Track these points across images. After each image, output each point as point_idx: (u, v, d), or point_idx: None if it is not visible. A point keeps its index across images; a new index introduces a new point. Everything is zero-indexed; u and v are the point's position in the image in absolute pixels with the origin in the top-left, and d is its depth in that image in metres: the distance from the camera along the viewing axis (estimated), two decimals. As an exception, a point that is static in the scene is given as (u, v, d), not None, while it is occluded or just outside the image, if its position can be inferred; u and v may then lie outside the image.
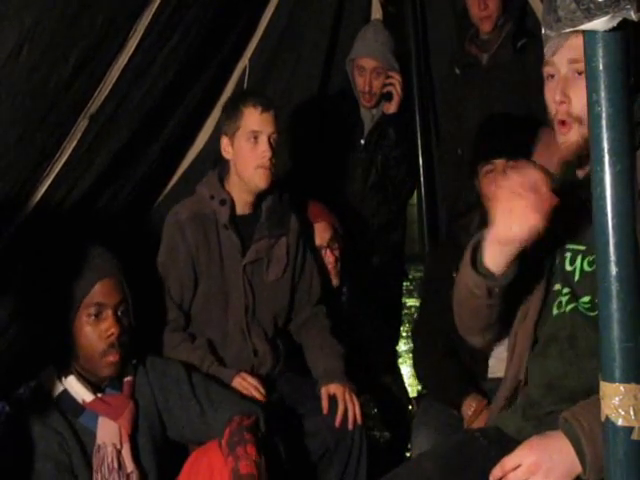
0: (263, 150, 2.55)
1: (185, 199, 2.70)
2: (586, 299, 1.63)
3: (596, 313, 1.52)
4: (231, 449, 2.07)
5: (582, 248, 1.65)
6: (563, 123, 1.60)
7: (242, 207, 2.64)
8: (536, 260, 1.72)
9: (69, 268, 2.15)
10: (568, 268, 1.68)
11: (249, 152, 2.56)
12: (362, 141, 3.47)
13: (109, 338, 2.11)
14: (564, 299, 1.69)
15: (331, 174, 3.45)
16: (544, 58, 1.65)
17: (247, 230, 2.64)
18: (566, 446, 1.46)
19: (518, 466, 1.50)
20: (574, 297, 1.66)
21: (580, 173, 1.68)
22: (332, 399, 2.51)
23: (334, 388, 2.53)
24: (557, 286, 1.71)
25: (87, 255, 2.18)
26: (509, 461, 1.51)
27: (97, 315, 2.12)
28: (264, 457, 2.09)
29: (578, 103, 1.55)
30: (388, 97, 3.43)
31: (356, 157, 3.47)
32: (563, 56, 1.59)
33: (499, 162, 2.54)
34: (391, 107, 3.42)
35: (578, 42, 1.49)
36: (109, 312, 2.13)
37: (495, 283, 1.61)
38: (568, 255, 1.68)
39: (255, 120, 2.56)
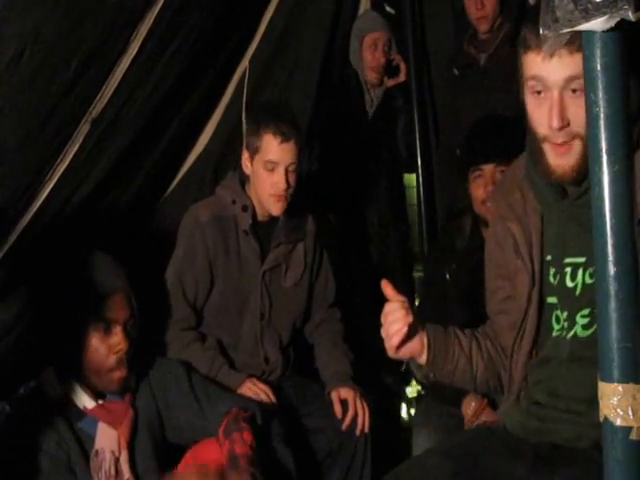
0: (277, 181, 2.50)
1: (203, 200, 2.69)
2: (585, 312, 1.60)
3: (593, 329, 1.52)
4: (227, 435, 2.09)
5: (582, 260, 1.61)
6: (562, 144, 1.51)
7: (262, 213, 2.62)
8: (523, 280, 1.69)
9: (79, 280, 2.12)
10: (569, 285, 1.63)
11: (265, 180, 2.52)
12: (369, 121, 3.59)
13: (118, 353, 2.08)
14: (562, 317, 1.65)
15: (343, 167, 3.50)
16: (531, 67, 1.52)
17: (266, 236, 2.63)
18: None
19: None
20: (572, 320, 1.63)
21: (574, 192, 1.59)
22: (342, 402, 2.51)
23: (345, 392, 2.53)
24: (550, 299, 1.68)
25: (96, 267, 2.14)
26: None
27: (106, 330, 2.08)
28: (264, 456, 2.10)
29: (578, 121, 1.45)
30: (395, 70, 3.59)
31: (364, 139, 3.56)
32: (558, 74, 1.46)
33: (487, 168, 2.50)
34: (401, 76, 3.61)
35: (573, 60, 1.42)
36: (119, 328, 2.09)
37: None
38: (568, 270, 1.64)
39: (273, 150, 2.49)
